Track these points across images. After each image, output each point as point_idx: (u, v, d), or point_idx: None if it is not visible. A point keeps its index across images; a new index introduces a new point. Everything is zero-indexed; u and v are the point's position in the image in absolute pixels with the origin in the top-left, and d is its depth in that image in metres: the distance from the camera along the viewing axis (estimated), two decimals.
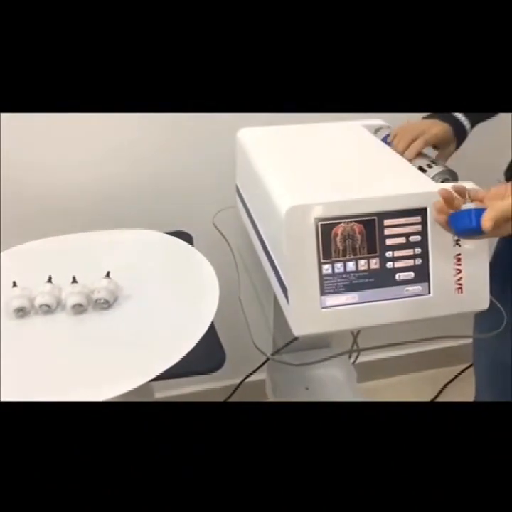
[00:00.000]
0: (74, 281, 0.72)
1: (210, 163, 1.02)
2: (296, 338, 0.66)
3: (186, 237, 0.90)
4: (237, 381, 1.27)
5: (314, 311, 0.61)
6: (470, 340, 1.37)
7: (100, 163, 0.98)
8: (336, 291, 0.62)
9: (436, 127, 0.75)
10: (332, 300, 0.62)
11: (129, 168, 1.00)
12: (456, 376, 1.44)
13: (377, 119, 0.88)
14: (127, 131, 0.96)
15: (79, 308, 0.71)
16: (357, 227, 0.61)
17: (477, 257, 0.64)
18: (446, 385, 1.43)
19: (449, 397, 1.41)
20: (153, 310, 0.72)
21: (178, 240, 0.88)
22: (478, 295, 0.65)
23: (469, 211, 0.54)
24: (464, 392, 1.40)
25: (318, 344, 1.16)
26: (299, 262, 0.60)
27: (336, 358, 1.18)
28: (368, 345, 1.22)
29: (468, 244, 0.63)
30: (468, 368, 1.45)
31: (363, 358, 1.39)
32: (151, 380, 0.60)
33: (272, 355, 0.77)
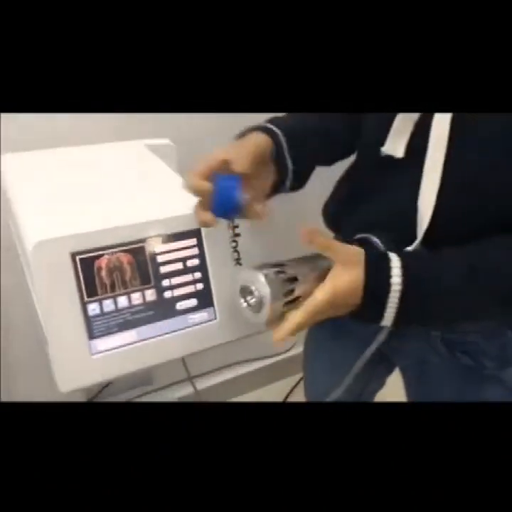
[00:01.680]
0: None
1: None
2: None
3: None
4: None
5: (83, 359, 0.53)
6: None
7: None
8: (108, 332, 0.54)
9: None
10: (104, 343, 0.54)
11: None
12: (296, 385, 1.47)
13: (163, 139, 0.83)
14: None
15: None
16: (124, 258, 0.55)
17: None
18: (288, 395, 1.45)
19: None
20: None
21: None
22: None
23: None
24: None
25: (139, 382, 1.07)
26: (57, 305, 0.52)
27: (158, 392, 1.11)
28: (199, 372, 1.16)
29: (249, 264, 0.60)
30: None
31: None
32: None
33: None
